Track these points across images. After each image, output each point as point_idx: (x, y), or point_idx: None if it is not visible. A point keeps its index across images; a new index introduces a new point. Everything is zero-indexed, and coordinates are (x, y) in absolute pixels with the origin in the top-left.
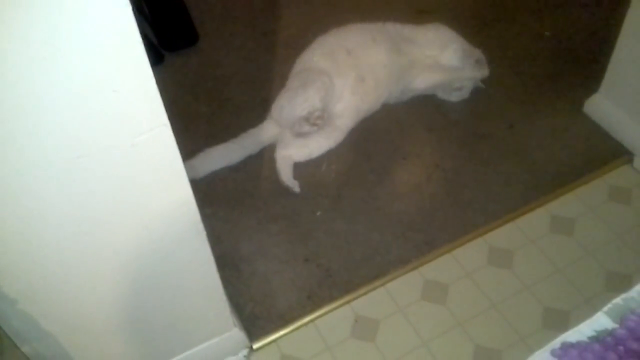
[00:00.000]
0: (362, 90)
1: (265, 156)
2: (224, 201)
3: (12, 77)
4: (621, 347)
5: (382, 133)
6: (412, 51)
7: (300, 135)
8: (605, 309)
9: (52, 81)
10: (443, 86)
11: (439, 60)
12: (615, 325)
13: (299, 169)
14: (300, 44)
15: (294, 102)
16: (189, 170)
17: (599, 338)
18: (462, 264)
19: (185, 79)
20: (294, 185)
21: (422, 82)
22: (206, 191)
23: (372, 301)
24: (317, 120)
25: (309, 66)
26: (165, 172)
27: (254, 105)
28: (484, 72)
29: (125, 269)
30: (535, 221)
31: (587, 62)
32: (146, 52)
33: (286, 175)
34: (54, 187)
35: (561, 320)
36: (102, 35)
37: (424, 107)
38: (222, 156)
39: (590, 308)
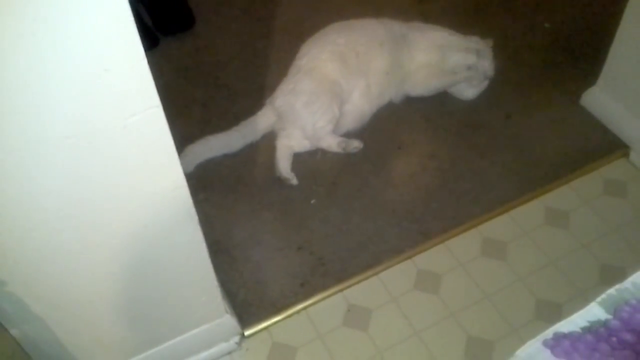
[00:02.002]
0: (369, 95)
1: (261, 143)
2: (218, 187)
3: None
4: (614, 338)
5: (378, 122)
6: (412, 59)
7: (316, 144)
8: (599, 299)
9: (41, 58)
10: (445, 88)
11: (441, 66)
12: (609, 316)
13: (294, 157)
14: (297, 31)
15: (310, 109)
16: (186, 156)
17: (592, 329)
18: (455, 255)
19: (180, 63)
20: (291, 177)
21: (418, 88)
22: (200, 176)
23: (365, 290)
24: (352, 150)
25: (318, 65)
26: (157, 155)
27: (250, 91)
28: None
29: (116, 252)
30: (529, 213)
31: (585, 54)
32: (141, 35)
33: (284, 166)
34: (42, 168)
35: (554, 312)
36: (93, 12)
37: (421, 97)
38: (221, 144)
39: (583, 300)
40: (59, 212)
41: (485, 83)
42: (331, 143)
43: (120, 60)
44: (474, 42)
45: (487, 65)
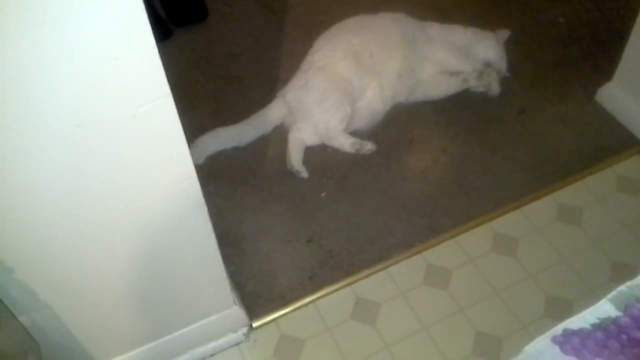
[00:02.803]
0: (382, 97)
1: (271, 136)
2: (228, 179)
3: (9, 42)
4: (624, 336)
5: (389, 116)
6: (425, 67)
7: (328, 142)
8: (610, 296)
9: (51, 47)
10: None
11: (456, 68)
12: (619, 314)
13: (306, 150)
14: (310, 24)
15: (323, 106)
16: (197, 147)
17: (602, 326)
18: (465, 250)
19: (193, 54)
20: (302, 170)
21: (432, 93)
22: (210, 168)
23: (373, 284)
24: (366, 152)
25: (331, 62)
26: (167, 145)
27: (262, 84)
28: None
29: (125, 242)
30: (541, 209)
31: (601, 49)
32: (154, 27)
33: (296, 159)
34: (53, 156)
35: (564, 310)
36: (104, 0)
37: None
38: (232, 137)
39: (594, 298)
40: (68, 200)
41: (497, 82)
42: (344, 143)
43: (131, 50)
44: (487, 39)
45: (499, 63)
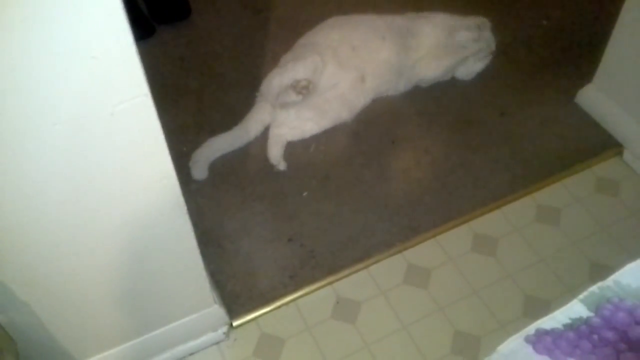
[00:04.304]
0: (361, 89)
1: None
2: (210, 178)
3: None
4: (595, 336)
5: (372, 116)
6: (420, 46)
7: (284, 105)
8: (581, 296)
9: (27, 45)
10: (454, 68)
11: (449, 44)
12: (591, 314)
13: (287, 149)
14: (293, 24)
15: (282, 74)
16: (197, 162)
17: (574, 326)
18: (445, 250)
19: (176, 52)
20: (279, 163)
21: (431, 72)
22: None
23: (354, 283)
24: (302, 90)
25: (306, 48)
26: (146, 143)
27: (245, 82)
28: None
29: (104, 240)
30: (521, 210)
31: (582, 52)
32: (137, 24)
33: (273, 152)
34: (28, 155)
35: (542, 309)
36: None
37: (416, 92)
38: (227, 143)
39: (571, 298)
40: (45, 199)
41: (489, 58)
42: (282, 122)
43: (109, 48)
44: (473, 19)
45: (489, 37)
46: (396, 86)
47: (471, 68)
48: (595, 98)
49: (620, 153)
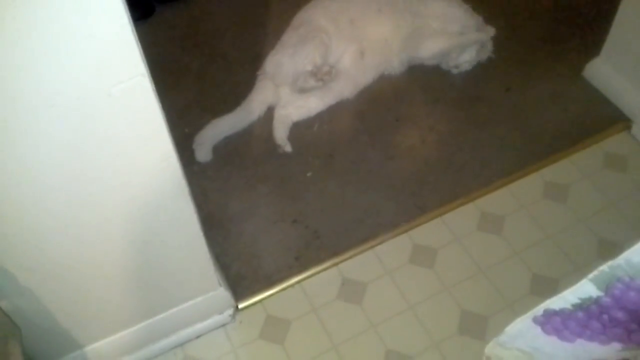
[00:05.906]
0: (361, 64)
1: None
2: (213, 159)
3: None
4: (605, 316)
5: (376, 94)
6: (417, 21)
7: (302, 91)
8: (591, 276)
9: (21, 24)
10: (447, 55)
11: (444, 28)
12: (601, 294)
13: (291, 129)
14: (295, 0)
15: (295, 58)
16: (201, 144)
17: (583, 306)
18: (452, 229)
19: (176, 32)
20: (285, 144)
21: (426, 50)
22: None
23: (360, 264)
24: (324, 76)
25: (308, 21)
26: (145, 125)
27: (246, 61)
28: (487, 36)
29: (107, 224)
30: (528, 187)
31: (588, 25)
32: (136, 4)
33: (279, 133)
34: (26, 138)
35: (550, 288)
36: None
37: (421, 69)
38: (230, 125)
39: (580, 276)
40: (44, 182)
41: (485, 56)
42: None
43: (105, 27)
44: (476, 17)
45: (488, 38)
46: (393, 63)
47: (464, 58)
48: (603, 72)
49: (628, 128)
